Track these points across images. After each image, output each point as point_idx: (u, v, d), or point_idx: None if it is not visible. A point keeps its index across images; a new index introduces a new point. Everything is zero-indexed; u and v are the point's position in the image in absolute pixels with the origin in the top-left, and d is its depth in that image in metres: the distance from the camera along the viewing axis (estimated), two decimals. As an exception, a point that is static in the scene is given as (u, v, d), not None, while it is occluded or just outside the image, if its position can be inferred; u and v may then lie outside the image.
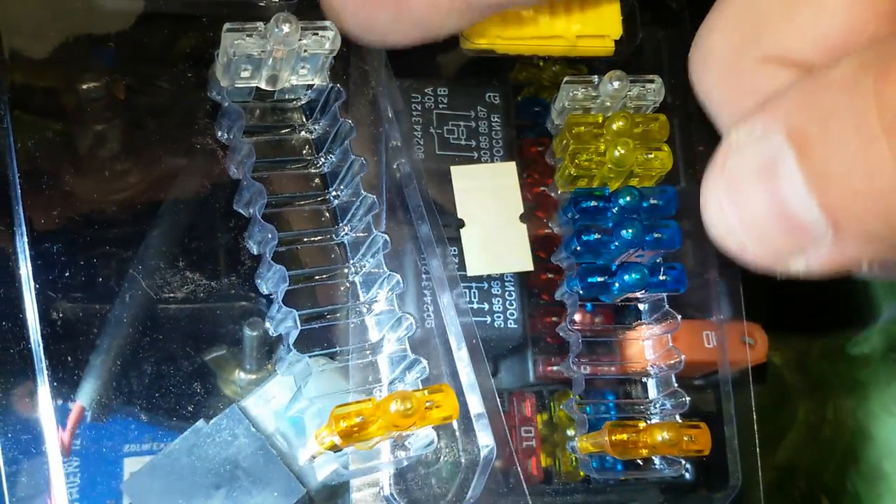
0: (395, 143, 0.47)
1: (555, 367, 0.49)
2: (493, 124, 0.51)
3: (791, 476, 0.57)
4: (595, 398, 0.50)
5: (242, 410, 0.43)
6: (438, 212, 0.47)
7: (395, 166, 0.47)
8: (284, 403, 0.43)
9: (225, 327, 0.44)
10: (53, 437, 0.40)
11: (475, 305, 0.48)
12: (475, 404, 0.44)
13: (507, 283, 0.49)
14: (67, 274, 0.43)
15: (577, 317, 0.49)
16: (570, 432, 0.49)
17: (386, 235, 0.43)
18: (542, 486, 0.48)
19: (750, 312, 0.52)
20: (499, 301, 0.48)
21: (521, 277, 0.49)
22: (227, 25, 0.41)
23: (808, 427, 0.56)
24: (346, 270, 0.46)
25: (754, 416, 0.50)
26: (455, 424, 0.44)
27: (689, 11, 0.55)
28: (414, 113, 0.50)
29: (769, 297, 0.60)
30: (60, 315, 0.42)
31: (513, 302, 0.48)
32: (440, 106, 0.50)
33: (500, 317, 0.48)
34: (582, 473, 0.48)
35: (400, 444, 0.42)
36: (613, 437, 0.44)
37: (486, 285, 0.48)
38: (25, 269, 0.41)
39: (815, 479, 0.55)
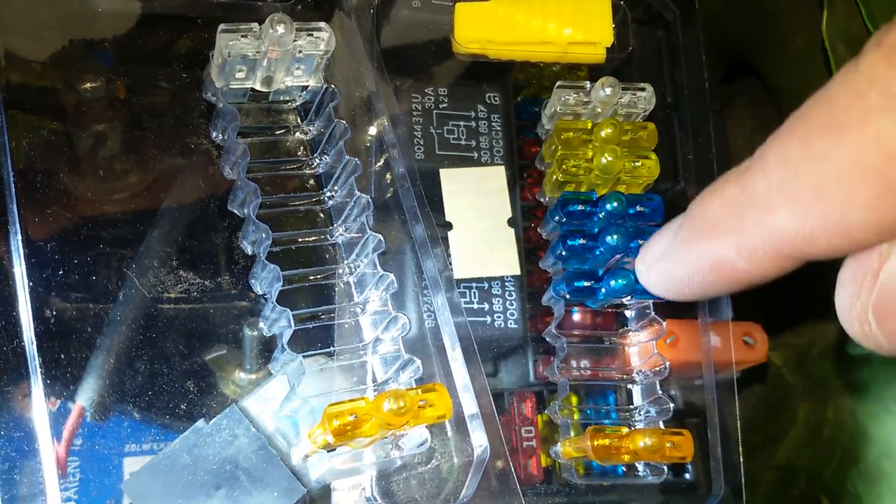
0: (390, 144, 0.47)
1: (543, 371, 0.49)
2: (493, 124, 0.51)
3: (791, 476, 0.56)
4: (580, 403, 0.50)
5: (242, 410, 0.43)
6: (437, 212, 0.47)
7: (390, 166, 0.47)
8: (284, 403, 0.43)
9: (223, 327, 0.45)
10: (47, 436, 0.40)
11: (475, 306, 0.48)
12: (469, 404, 0.43)
13: (507, 284, 0.49)
14: (61, 272, 0.43)
15: (577, 317, 0.49)
16: (571, 433, 0.49)
17: (380, 236, 0.43)
18: (543, 486, 0.48)
19: (750, 312, 0.52)
20: (499, 301, 0.48)
21: (521, 278, 0.49)
22: (221, 26, 0.41)
23: (808, 427, 0.56)
24: (340, 270, 0.46)
25: (738, 424, 0.50)
26: (448, 424, 0.44)
27: (681, 19, 0.55)
28: (414, 113, 0.50)
29: (769, 297, 0.59)
30: (54, 313, 0.42)
31: (513, 302, 0.48)
32: (440, 106, 0.50)
33: (500, 317, 0.48)
34: (582, 471, 0.48)
35: (394, 444, 0.42)
36: (596, 443, 0.44)
37: (486, 285, 0.48)
38: (19, 268, 0.41)
39: (815, 479, 0.54)
